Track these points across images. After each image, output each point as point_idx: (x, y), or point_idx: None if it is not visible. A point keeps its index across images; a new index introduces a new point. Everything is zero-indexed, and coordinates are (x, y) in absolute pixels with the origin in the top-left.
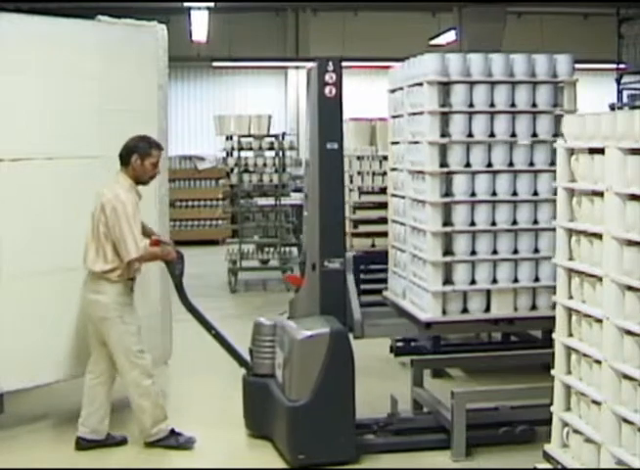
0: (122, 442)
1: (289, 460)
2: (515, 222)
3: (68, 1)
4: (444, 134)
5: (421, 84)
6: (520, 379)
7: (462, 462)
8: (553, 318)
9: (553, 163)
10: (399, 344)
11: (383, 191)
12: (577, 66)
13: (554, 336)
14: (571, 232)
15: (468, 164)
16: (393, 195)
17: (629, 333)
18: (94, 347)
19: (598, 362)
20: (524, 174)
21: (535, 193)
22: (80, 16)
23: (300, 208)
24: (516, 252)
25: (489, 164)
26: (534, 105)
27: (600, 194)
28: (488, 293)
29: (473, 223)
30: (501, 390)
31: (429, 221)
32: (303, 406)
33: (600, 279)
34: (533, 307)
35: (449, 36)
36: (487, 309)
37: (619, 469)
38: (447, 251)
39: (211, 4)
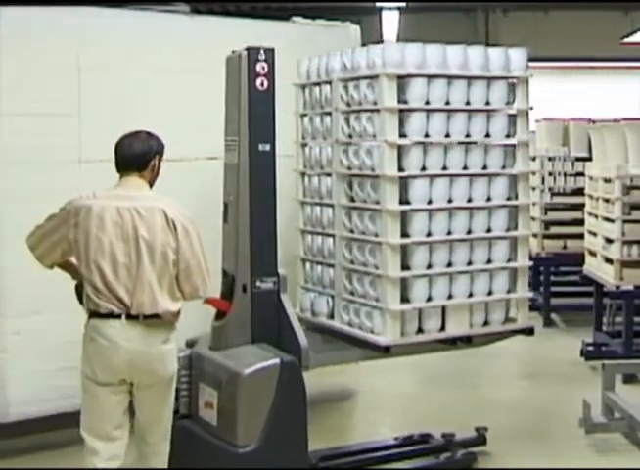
0: None
1: None
2: (470, 232)
3: (262, 1)
4: (401, 134)
5: (367, 78)
6: None
7: None
8: (505, 333)
9: (505, 166)
10: (590, 347)
11: (575, 192)
12: None
13: None
14: None
15: (424, 168)
16: (311, 203)
17: None
18: (118, 423)
19: None
20: (478, 179)
21: (489, 199)
22: (274, 17)
23: None
24: (470, 264)
25: (444, 168)
26: (487, 102)
27: None
28: (444, 310)
29: (429, 234)
30: None
31: (387, 233)
32: (253, 452)
33: None
34: (486, 323)
35: None
36: (443, 328)
37: None
38: (403, 265)
39: (403, 4)
